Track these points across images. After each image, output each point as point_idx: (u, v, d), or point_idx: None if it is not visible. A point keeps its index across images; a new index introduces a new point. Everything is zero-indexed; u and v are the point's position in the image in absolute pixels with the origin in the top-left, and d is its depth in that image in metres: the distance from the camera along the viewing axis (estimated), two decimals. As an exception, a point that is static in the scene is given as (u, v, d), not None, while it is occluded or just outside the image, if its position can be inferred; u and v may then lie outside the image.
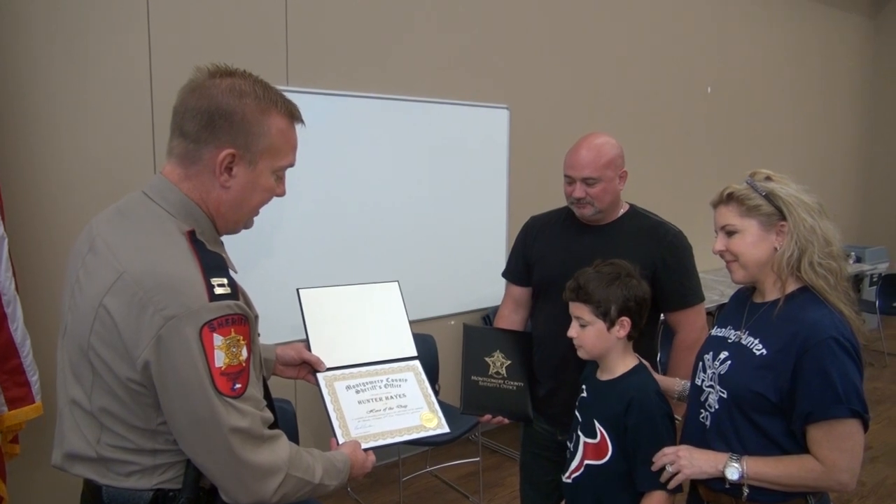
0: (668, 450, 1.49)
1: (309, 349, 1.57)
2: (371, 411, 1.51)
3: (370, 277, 1.75)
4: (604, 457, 1.58)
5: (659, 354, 2.12)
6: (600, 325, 1.59)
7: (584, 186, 1.86)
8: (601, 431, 1.59)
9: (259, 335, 1.21)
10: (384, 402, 1.55)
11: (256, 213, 1.25)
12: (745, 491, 1.39)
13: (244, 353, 1.08)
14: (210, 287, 1.05)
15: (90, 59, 2.61)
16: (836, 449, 1.33)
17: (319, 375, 1.54)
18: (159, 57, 2.75)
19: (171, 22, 2.77)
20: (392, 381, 1.60)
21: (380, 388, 1.57)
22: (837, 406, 1.31)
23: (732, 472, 1.39)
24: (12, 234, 2.28)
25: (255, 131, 1.15)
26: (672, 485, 1.49)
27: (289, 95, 1.22)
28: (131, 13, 2.68)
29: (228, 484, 1.09)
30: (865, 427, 1.35)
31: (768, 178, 1.46)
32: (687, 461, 1.44)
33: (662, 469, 1.48)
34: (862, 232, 7.32)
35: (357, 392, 1.54)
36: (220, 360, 1.04)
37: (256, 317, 1.17)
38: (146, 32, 2.72)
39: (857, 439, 1.34)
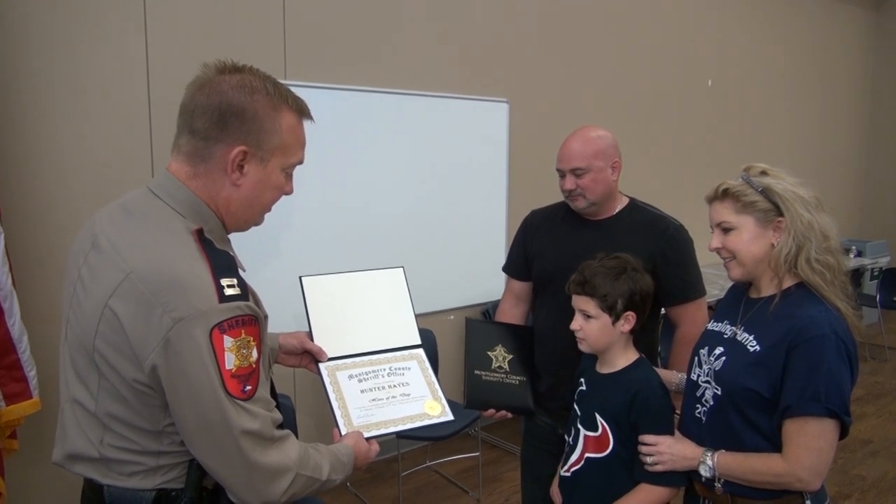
0: (648, 439, 1.49)
1: (311, 338, 1.55)
2: (374, 400, 1.49)
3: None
4: (605, 450, 1.58)
5: (660, 349, 2.12)
6: (605, 318, 1.58)
7: (573, 178, 1.85)
8: (602, 424, 1.58)
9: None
10: (387, 391, 1.52)
11: (268, 210, 1.23)
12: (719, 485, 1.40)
13: (254, 354, 1.06)
14: (220, 287, 1.03)
15: (87, 55, 2.59)
16: (803, 446, 1.31)
17: (321, 365, 1.53)
18: (156, 51, 2.74)
19: (167, 17, 2.75)
20: (395, 369, 1.58)
21: (383, 376, 1.55)
22: (815, 404, 1.29)
23: (704, 470, 1.41)
24: (9, 229, 2.27)
25: (267, 128, 1.13)
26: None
27: (287, 89, 1.20)
28: (128, 8, 2.66)
29: (238, 485, 1.07)
30: (844, 430, 1.33)
31: (764, 173, 1.43)
32: (669, 455, 1.46)
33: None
34: (862, 226, 7.32)
35: (360, 381, 1.52)
36: (230, 362, 1.02)
37: (266, 317, 1.15)
38: (143, 27, 2.70)
39: (828, 440, 1.31)
